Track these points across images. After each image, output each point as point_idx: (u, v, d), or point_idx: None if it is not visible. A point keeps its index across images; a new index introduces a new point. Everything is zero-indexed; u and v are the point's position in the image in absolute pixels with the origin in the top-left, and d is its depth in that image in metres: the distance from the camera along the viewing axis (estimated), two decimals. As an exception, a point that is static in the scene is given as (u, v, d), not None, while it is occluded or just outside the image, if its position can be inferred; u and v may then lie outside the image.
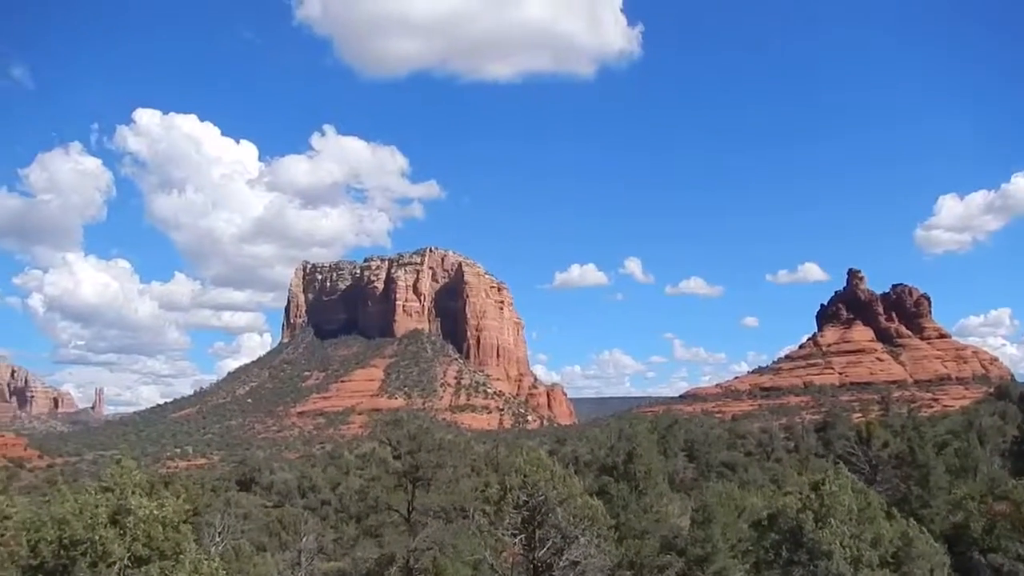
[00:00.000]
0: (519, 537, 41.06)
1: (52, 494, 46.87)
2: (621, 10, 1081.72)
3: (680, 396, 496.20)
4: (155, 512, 40.17)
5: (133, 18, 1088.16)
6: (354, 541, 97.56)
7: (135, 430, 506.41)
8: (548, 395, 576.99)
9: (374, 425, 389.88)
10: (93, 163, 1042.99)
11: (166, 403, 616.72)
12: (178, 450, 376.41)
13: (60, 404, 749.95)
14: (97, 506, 39.21)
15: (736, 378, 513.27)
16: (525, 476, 42.47)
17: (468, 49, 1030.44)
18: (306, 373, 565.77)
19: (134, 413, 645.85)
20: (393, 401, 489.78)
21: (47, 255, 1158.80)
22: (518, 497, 42.05)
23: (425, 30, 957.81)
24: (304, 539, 77.04)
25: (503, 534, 41.84)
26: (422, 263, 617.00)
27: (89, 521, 38.26)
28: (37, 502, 66.30)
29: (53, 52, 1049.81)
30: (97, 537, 37.42)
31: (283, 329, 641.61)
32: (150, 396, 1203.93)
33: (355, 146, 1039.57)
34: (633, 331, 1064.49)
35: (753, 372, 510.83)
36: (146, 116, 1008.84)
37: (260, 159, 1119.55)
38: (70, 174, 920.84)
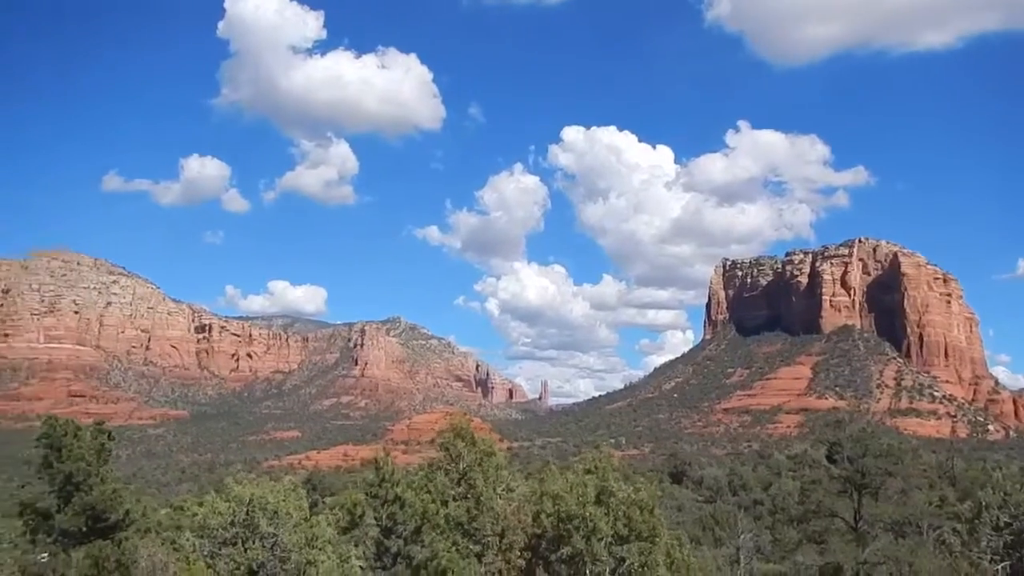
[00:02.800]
0: (1002, 564, 37.86)
1: (545, 473, 55.61)
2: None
3: None
4: (632, 495, 45.65)
5: (556, 41, 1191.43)
6: (794, 545, 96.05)
7: (574, 420, 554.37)
8: (1015, 402, 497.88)
9: (811, 426, 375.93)
10: (532, 180, 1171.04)
11: (599, 396, 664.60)
12: (612, 440, 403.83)
13: (514, 395, 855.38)
14: (584, 486, 45.87)
15: None
16: (1006, 494, 39.12)
17: (896, 21, 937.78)
18: (729, 370, 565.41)
19: (573, 404, 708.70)
20: (823, 401, 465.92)
21: (499, 264, 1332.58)
22: (997, 518, 38.86)
23: (844, 10, 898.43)
24: (741, 537, 78.09)
25: (979, 558, 39.00)
26: (850, 255, 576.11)
27: (579, 499, 44.97)
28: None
29: (499, 90, 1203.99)
30: (587, 514, 43.85)
31: (705, 326, 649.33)
32: (586, 389, 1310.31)
33: (771, 139, 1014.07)
34: None
35: None
36: (572, 133, 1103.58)
37: (676, 161, 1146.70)
38: (514, 192, 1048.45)
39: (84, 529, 56.55)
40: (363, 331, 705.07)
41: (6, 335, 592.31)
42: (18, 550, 54.69)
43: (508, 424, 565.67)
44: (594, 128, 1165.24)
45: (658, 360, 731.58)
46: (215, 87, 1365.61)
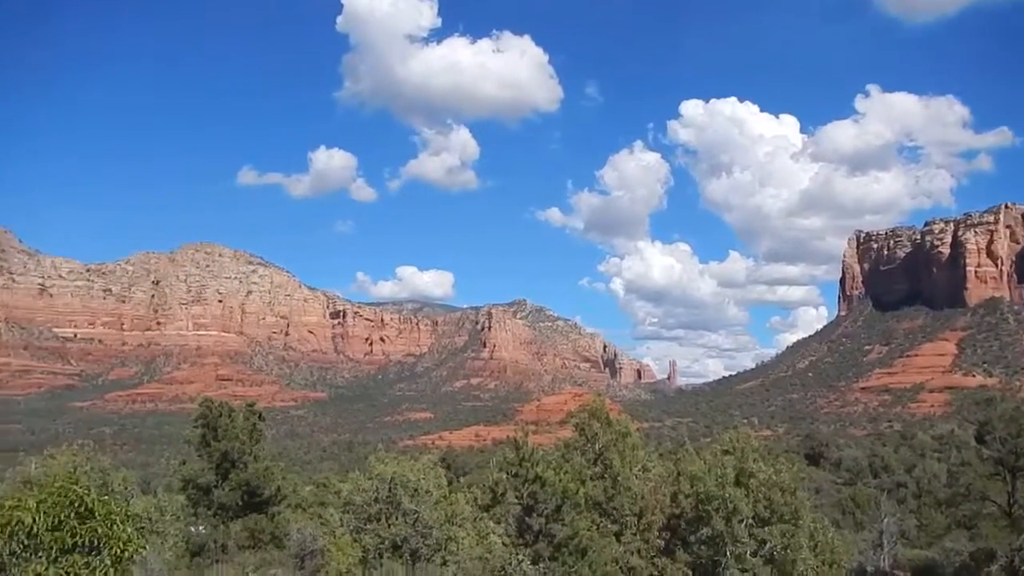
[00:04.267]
0: None
1: (681, 453, 54.89)
2: None
3: None
4: (773, 477, 44.29)
5: (672, 12, 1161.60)
6: (943, 530, 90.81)
7: (705, 400, 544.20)
8: None
9: (957, 404, 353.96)
10: (653, 158, 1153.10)
11: (730, 375, 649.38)
12: (744, 421, 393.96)
13: (642, 375, 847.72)
14: (724, 467, 44.86)
15: None
16: None
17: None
18: (867, 347, 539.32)
19: (703, 384, 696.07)
20: (970, 379, 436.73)
21: (623, 244, 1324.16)
22: None
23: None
24: (884, 521, 74.45)
25: None
26: (996, 222, 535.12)
27: (719, 480, 44.02)
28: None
29: (615, 67, 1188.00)
30: (727, 495, 42.86)
31: (839, 302, 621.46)
32: (715, 369, 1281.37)
33: (905, 102, 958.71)
34: None
35: None
36: (691, 107, 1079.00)
37: (802, 131, 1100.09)
38: (635, 170, 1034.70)
39: (240, 503, 60.17)
40: (490, 314, 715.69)
41: (159, 323, 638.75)
42: (181, 522, 58.86)
43: (637, 404, 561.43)
44: (714, 101, 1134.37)
45: (790, 338, 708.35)
46: (338, 81, 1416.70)
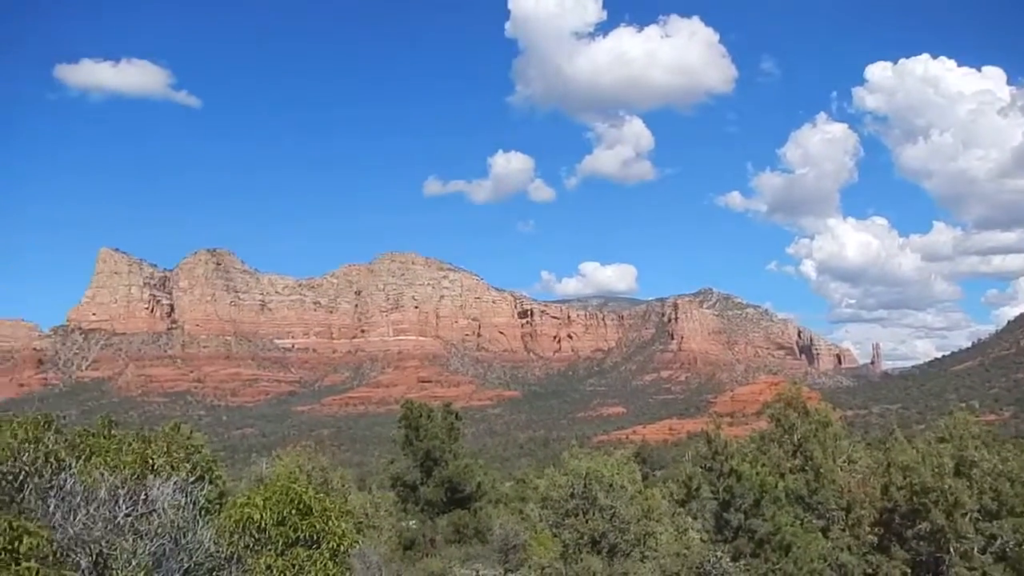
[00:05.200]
0: None
1: (890, 442, 51.32)
2: None
3: None
4: (1000, 466, 40.44)
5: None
6: None
7: (915, 384, 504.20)
8: None
9: None
10: (839, 129, 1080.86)
11: (943, 356, 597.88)
12: (963, 405, 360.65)
13: (842, 360, 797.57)
14: (940, 456, 41.53)
15: None
16: None
17: None
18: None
19: (912, 367, 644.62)
20: None
21: (812, 223, 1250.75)
22: None
23: None
24: None
25: None
26: None
27: (936, 470, 40.81)
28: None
29: (791, 38, 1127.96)
30: (947, 486, 39.66)
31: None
32: (925, 350, 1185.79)
33: None
34: None
35: None
36: (878, 71, 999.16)
37: (1009, 83, 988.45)
38: (820, 144, 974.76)
39: (444, 499, 63.22)
40: (676, 305, 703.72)
41: (363, 331, 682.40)
42: (393, 517, 62.66)
43: (839, 392, 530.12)
44: (903, 61, 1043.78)
45: (1011, 312, 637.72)
46: (510, 86, 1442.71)
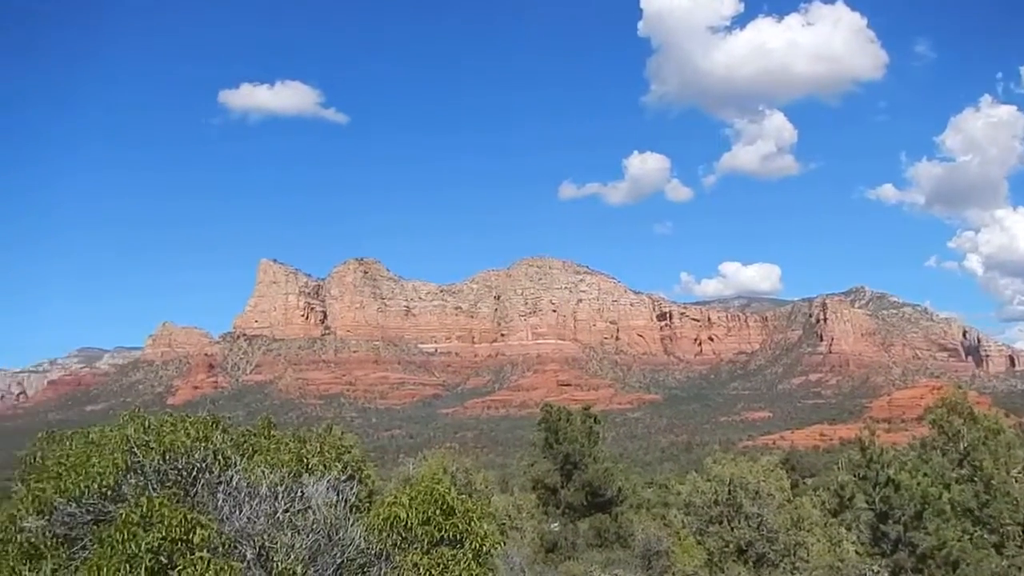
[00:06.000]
0: None
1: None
2: None
3: None
4: None
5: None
6: None
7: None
8: None
9: None
10: (1006, 111, 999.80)
11: None
12: None
13: (1016, 362, 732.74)
14: None
15: None
16: None
17: None
18: None
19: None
20: None
21: (976, 215, 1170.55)
22: None
23: None
24: None
25: None
26: None
27: None
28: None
29: (949, 16, 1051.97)
30: None
31: None
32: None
33: None
34: None
35: None
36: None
37: None
38: (985, 128, 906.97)
39: (585, 503, 63.14)
40: (824, 305, 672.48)
41: (502, 335, 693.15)
42: (534, 519, 63.20)
43: (1013, 396, 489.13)
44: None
45: None
46: (644, 85, 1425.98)
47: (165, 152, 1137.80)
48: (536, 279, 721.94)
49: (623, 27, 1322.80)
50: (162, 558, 14.22)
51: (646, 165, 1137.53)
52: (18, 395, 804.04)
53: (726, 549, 44.62)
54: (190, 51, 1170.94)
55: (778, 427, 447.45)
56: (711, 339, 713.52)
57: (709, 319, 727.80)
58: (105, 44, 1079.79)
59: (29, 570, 14.36)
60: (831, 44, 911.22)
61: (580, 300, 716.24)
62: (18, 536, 15.20)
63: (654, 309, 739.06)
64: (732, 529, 44.79)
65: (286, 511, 17.31)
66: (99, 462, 16.50)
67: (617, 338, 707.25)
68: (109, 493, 16.45)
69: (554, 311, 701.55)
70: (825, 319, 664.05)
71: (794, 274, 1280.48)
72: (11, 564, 14.38)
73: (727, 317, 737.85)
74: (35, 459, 18.47)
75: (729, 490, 45.12)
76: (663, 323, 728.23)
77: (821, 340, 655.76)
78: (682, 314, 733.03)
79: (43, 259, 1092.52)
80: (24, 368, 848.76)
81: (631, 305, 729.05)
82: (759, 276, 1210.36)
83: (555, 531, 64.11)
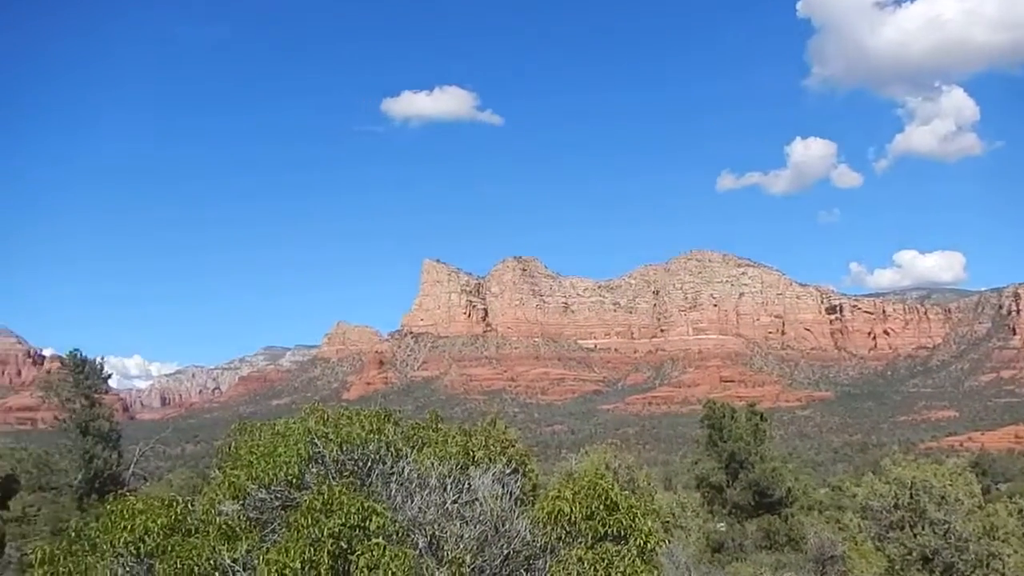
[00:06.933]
0: None
1: None
2: None
3: None
4: None
5: None
6: None
7: None
8: None
9: None
10: None
11: None
12: None
13: None
14: None
15: None
16: None
17: None
18: None
19: None
20: None
21: None
22: None
23: None
24: None
25: None
26: None
27: None
28: None
29: None
30: None
31: None
32: None
33: None
34: None
35: None
36: None
37: None
38: None
39: (752, 503, 61.22)
40: (1016, 295, 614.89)
41: (662, 331, 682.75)
42: (699, 519, 61.93)
43: None
44: None
45: None
46: (805, 68, 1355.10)
47: (336, 161, 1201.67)
48: (696, 273, 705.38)
49: (781, 7, 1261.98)
50: (342, 543, 15.14)
51: (809, 151, 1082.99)
52: (213, 390, 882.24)
53: (909, 557, 41.87)
54: (353, 64, 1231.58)
55: (965, 428, 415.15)
56: (887, 333, 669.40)
57: (884, 311, 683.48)
58: (277, 62, 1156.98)
59: (228, 550, 15.71)
60: (1015, 10, 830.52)
61: (742, 294, 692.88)
62: (217, 519, 16.67)
63: (822, 302, 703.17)
64: (915, 536, 41.97)
65: (454, 502, 17.96)
66: (285, 452, 17.82)
67: (783, 332, 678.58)
68: (294, 481, 17.72)
69: (715, 305, 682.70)
70: (1018, 310, 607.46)
71: (980, 262, 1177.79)
72: (212, 544, 15.77)
73: (904, 309, 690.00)
74: (230, 448, 20.18)
75: (911, 493, 42.25)
76: (833, 316, 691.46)
77: (1014, 333, 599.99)
78: (854, 307, 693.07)
79: (236, 267, 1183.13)
80: (218, 365, 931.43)
81: (797, 298, 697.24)
82: (940, 265, 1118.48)
83: (721, 531, 62.57)
